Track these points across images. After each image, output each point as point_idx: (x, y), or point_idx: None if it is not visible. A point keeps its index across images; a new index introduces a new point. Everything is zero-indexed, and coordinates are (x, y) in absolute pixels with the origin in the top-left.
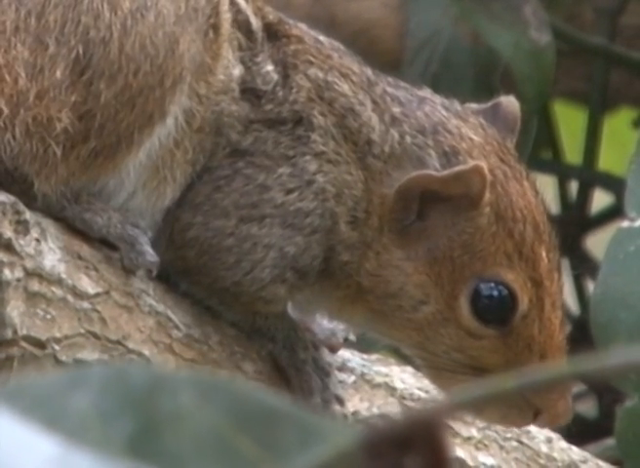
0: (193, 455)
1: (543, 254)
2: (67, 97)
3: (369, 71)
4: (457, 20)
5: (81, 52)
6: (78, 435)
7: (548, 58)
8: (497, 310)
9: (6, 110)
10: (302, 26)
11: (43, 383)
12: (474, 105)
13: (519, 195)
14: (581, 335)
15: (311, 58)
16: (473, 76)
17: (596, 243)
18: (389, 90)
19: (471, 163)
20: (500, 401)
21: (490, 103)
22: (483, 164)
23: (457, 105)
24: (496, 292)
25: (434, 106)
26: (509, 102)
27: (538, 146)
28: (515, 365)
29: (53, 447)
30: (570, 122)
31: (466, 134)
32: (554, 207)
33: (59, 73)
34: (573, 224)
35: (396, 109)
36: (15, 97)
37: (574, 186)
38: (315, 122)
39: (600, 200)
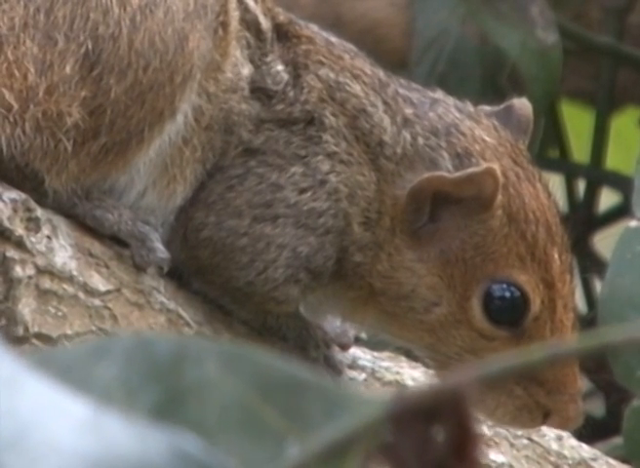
0: (218, 425)
1: (556, 256)
2: (77, 93)
3: (381, 73)
4: (464, 20)
5: (90, 47)
6: (103, 405)
7: (555, 57)
8: (509, 311)
9: (15, 106)
10: (314, 27)
11: (67, 354)
12: (487, 107)
13: (532, 197)
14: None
15: (322, 59)
16: (480, 76)
17: (603, 241)
18: (401, 91)
19: (484, 165)
20: (510, 401)
21: (502, 105)
22: (496, 166)
23: (470, 107)
24: (508, 294)
25: (447, 108)
26: (522, 104)
27: (545, 145)
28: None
29: (84, 409)
30: (577, 121)
31: (479, 135)
32: (561, 205)
33: (68, 69)
34: (580, 223)
35: (408, 111)
36: (24, 93)
37: (581, 185)
38: (327, 122)
39: (607, 199)
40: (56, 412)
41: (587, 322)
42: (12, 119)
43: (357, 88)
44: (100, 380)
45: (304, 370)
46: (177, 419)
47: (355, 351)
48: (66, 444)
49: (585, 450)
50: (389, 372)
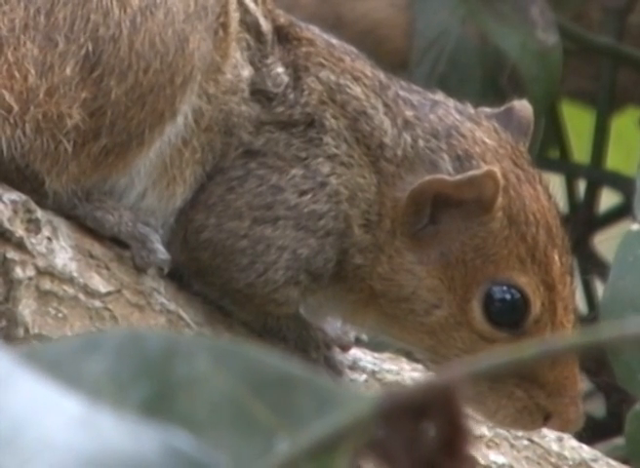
0: (208, 421)
1: (556, 258)
2: (78, 94)
3: (381, 75)
4: (464, 21)
5: (91, 49)
6: (93, 399)
7: (555, 58)
8: (509, 313)
9: (16, 107)
10: (314, 29)
11: (57, 348)
12: (487, 109)
13: (532, 199)
14: None
15: (323, 61)
16: (481, 76)
17: (604, 242)
18: (402, 93)
19: (484, 167)
20: (511, 404)
21: (503, 107)
22: (496, 168)
23: (470, 109)
24: (508, 296)
25: (447, 110)
26: (522, 106)
27: (545, 146)
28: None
29: (77, 406)
30: (577, 121)
31: (480, 137)
32: (562, 206)
33: (68, 70)
34: (580, 223)
35: (409, 113)
36: (24, 94)
37: (581, 186)
38: (327, 124)
39: (608, 199)
40: (49, 409)
41: (588, 323)
42: (12, 120)
43: (358, 90)
44: (90, 375)
45: (295, 366)
46: (167, 414)
47: (356, 352)
48: (60, 441)
49: (586, 451)
50: (390, 374)
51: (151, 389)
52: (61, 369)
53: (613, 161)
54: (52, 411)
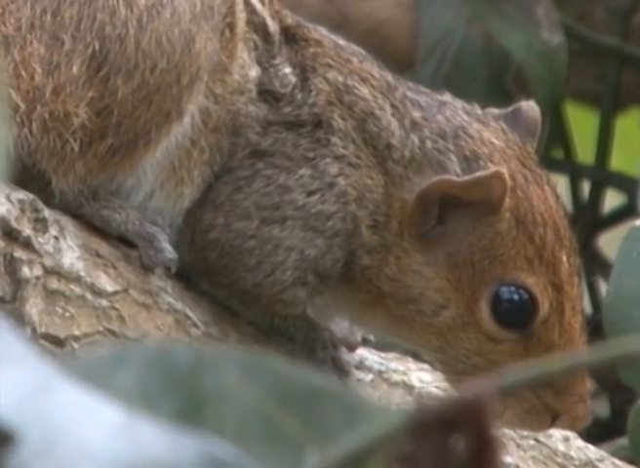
0: (237, 434)
1: (564, 259)
2: (84, 93)
3: (389, 76)
4: (469, 21)
5: (97, 48)
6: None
7: (560, 58)
8: (517, 314)
9: (22, 106)
10: (322, 30)
11: (86, 362)
12: (495, 110)
13: (540, 199)
14: (595, 336)
15: (331, 62)
16: (486, 76)
17: (608, 242)
18: (409, 94)
19: (492, 168)
20: (518, 404)
21: (510, 108)
22: (504, 169)
23: (477, 110)
24: (516, 296)
25: (455, 111)
26: (530, 107)
27: (549, 146)
28: None
29: (117, 415)
30: (581, 122)
31: (487, 138)
32: (566, 206)
33: (75, 69)
34: (585, 224)
35: (416, 114)
36: (31, 93)
37: (586, 186)
38: (335, 125)
39: (612, 199)
40: (88, 418)
41: (593, 323)
42: (19, 119)
43: (365, 91)
44: (119, 389)
45: (323, 379)
46: (196, 428)
47: (362, 352)
48: (99, 449)
49: (592, 451)
50: (396, 373)
51: (180, 403)
52: (91, 383)
53: (617, 162)
54: (91, 420)
